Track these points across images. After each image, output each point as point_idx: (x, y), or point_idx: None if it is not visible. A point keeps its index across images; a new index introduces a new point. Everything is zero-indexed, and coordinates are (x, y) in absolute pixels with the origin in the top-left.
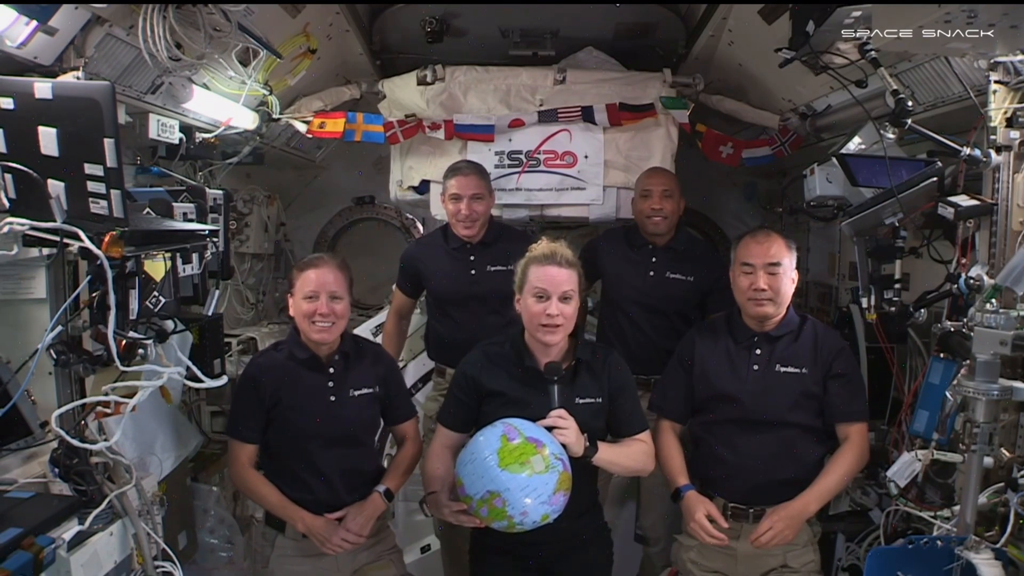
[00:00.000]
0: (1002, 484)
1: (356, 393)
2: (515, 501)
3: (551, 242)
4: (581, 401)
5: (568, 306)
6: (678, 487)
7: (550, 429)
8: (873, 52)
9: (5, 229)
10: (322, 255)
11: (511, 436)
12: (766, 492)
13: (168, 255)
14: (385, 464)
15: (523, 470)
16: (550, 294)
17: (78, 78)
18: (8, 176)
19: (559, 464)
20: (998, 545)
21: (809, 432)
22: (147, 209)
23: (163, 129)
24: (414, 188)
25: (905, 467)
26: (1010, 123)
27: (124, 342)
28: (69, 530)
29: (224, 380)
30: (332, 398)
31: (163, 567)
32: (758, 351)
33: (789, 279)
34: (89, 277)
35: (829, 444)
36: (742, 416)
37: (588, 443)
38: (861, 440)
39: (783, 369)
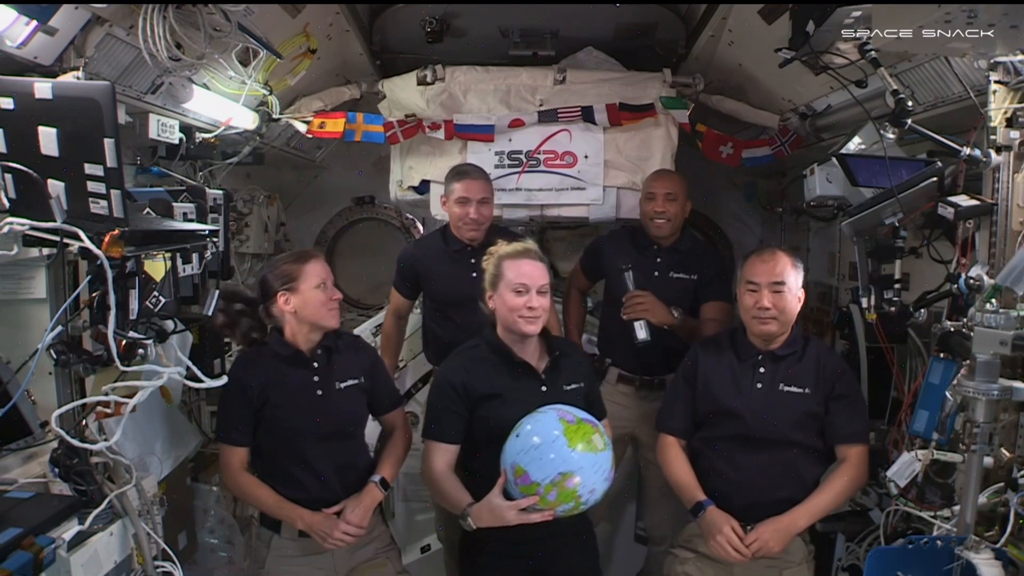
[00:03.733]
0: (1002, 484)
1: (342, 386)
2: (587, 479)
3: (517, 241)
4: (568, 388)
5: (544, 299)
6: (699, 501)
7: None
8: (873, 52)
9: (5, 229)
10: (309, 249)
11: (568, 418)
12: (764, 509)
13: (168, 255)
14: None
15: (590, 448)
16: (529, 287)
17: (78, 78)
18: (8, 176)
19: (609, 442)
20: (998, 545)
21: (810, 452)
22: (147, 209)
23: (163, 129)
24: (414, 188)
25: (905, 467)
26: (1010, 123)
27: (124, 342)
28: (69, 530)
29: (224, 380)
30: (319, 392)
31: (163, 567)
32: (762, 369)
33: (794, 297)
34: (89, 277)
35: (828, 465)
36: (744, 433)
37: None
38: (860, 462)
39: (787, 388)
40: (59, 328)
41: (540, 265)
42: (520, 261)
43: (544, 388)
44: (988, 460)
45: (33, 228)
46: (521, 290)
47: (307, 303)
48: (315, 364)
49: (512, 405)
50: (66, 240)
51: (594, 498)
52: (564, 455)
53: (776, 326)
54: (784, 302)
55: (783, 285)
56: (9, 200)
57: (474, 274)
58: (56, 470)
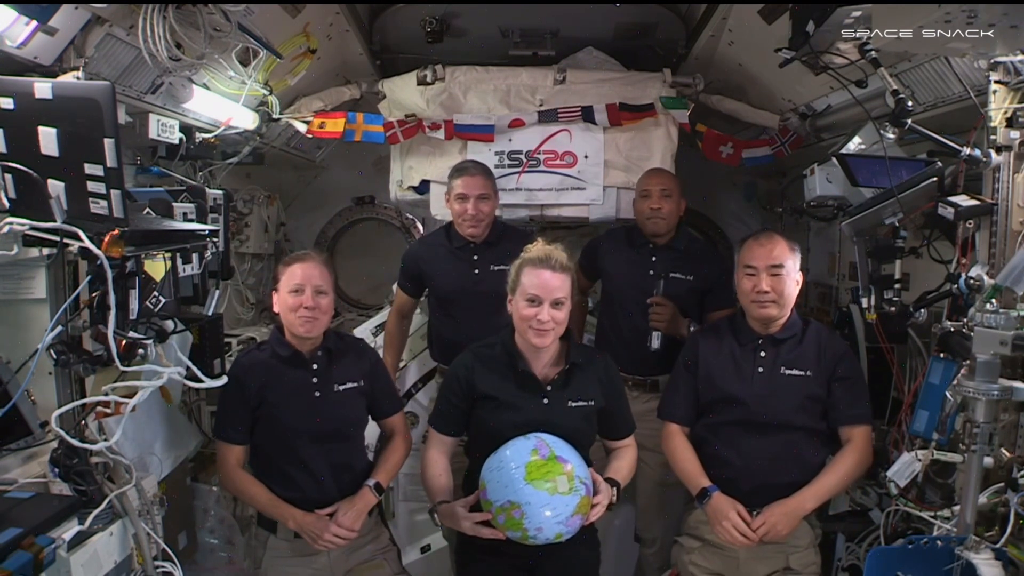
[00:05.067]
0: (1002, 484)
1: (341, 388)
2: (533, 516)
3: (546, 244)
4: (574, 404)
5: (559, 312)
6: (704, 488)
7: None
8: (873, 52)
9: (5, 229)
10: (308, 251)
11: (541, 451)
12: (769, 494)
13: (168, 255)
14: None
15: (547, 487)
16: (542, 300)
17: (78, 78)
18: (8, 176)
19: (582, 488)
20: (998, 545)
21: (813, 435)
22: (147, 209)
23: (163, 129)
24: (414, 188)
25: (905, 467)
26: (1010, 123)
27: (124, 342)
28: (69, 530)
29: (224, 380)
30: (317, 394)
31: (163, 567)
32: (763, 353)
33: (793, 281)
34: (89, 277)
35: (833, 448)
36: (747, 418)
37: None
38: (863, 443)
39: (788, 372)
40: (59, 328)
41: (560, 276)
42: (538, 270)
43: (546, 401)
44: (988, 460)
45: (33, 228)
46: (533, 300)
47: (281, 306)
48: (314, 365)
49: (509, 411)
50: (66, 240)
51: (543, 536)
52: (517, 486)
53: (775, 309)
54: (783, 285)
55: (781, 268)
56: (9, 200)
57: (476, 271)
58: (56, 470)
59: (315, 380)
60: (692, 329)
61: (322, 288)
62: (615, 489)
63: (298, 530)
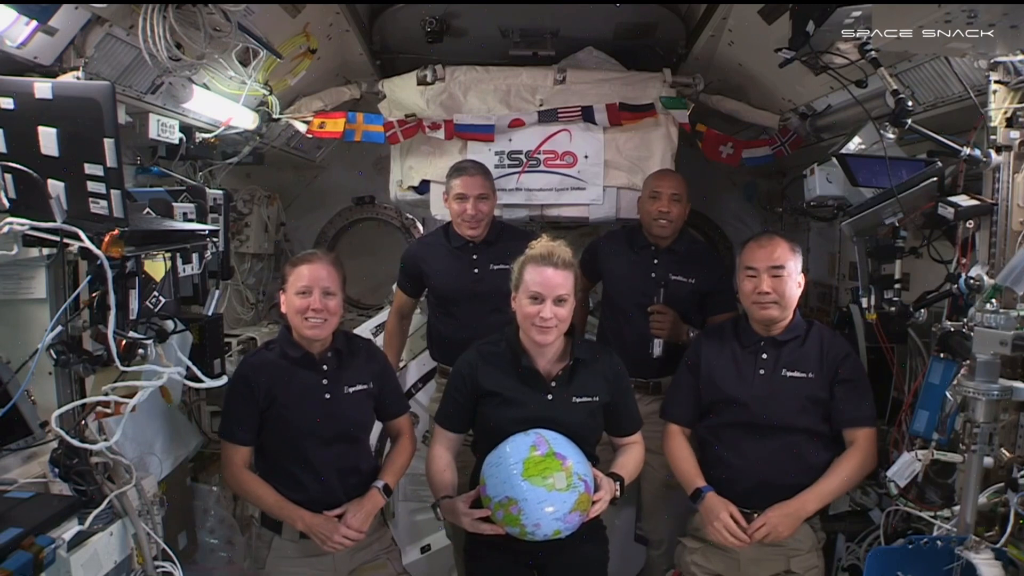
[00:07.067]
0: (1002, 484)
1: (351, 390)
2: (530, 512)
3: (549, 241)
4: (578, 400)
5: (562, 308)
6: (698, 488)
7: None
8: (873, 52)
9: (5, 229)
10: (316, 251)
11: (540, 448)
12: (770, 496)
13: (168, 255)
14: None
15: (544, 484)
16: (545, 297)
17: (78, 78)
18: (8, 176)
19: (580, 485)
20: (998, 545)
21: (815, 437)
22: (147, 209)
23: (163, 129)
24: (414, 188)
25: (905, 467)
26: (1010, 123)
27: (124, 342)
28: (69, 530)
29: (224, 380)
30: (327, 395)
31: (163, 567)
32: (764, 355)
33: (794, 282)
34: (89, 277)
35: (836, 450)
36: (748, 420)
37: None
38: (867, 445)
39: (789, 374)
40: (59, 328)
41: (562, 272)
42: (540, 268)
43: (550, 397)
44: (988, 460)
45: (33, 228)
46: (536, 297)
47: (288, 308)
48: (324, 367)
49: (513, 407)
50: (66, 240)
51: (541, 532)
52: (514, 482)
53: (777, 311)
54: (784, 286)
55: (782, 269)
56: (9, 200)
57: (475, 270)
58: (56, 470)
59: (325, 382)
60: (692, 335)
61: (330, 290)
62: (619, 484)
63: (307, 531)
